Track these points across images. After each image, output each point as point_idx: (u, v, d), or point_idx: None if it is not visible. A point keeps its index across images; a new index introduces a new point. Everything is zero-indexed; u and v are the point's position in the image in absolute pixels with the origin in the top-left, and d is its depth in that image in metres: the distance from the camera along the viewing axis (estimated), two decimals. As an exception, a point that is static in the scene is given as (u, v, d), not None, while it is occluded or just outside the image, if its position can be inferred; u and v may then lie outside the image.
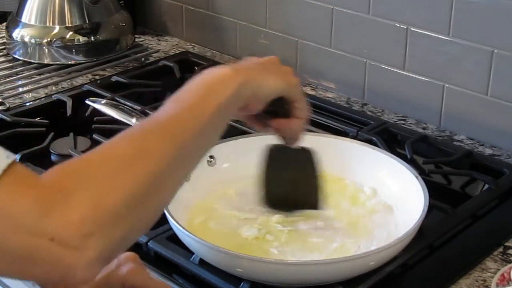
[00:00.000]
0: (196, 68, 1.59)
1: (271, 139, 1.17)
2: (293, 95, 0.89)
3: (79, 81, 1.57)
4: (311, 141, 1.17)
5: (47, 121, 1.37)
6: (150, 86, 1.53)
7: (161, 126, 0.75)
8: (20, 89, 1.54)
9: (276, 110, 0.90)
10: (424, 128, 1.39)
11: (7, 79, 1.58)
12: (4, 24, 1.73)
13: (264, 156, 1.00)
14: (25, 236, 0.61)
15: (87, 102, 1.33)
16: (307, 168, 1.01)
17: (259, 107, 0.85)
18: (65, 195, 0.63)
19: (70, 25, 1.63)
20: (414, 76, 1.41)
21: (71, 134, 1.32)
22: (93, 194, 0.64)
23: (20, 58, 1.65)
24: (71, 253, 0.62)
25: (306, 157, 1.00)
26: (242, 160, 1.14)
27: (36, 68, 1.62)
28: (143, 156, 0.69)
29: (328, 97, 1.52)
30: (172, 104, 0.80)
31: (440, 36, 1.34)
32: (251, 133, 1.25)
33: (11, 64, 1.64)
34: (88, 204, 0.63)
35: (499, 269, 0.98)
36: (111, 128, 1.32)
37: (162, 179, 0.69)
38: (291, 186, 1.02)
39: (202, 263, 0.96)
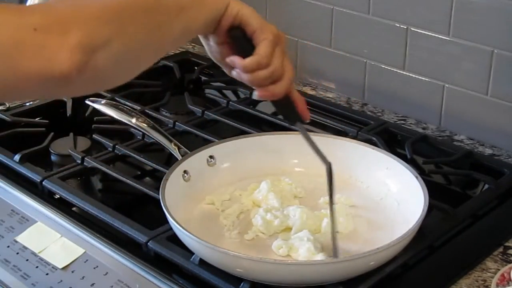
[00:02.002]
0: (196, 68, 1.59)
1: (271, 139, 1.18)
2: (262, 31, 0.87)
3: (79, 81, 1.57)
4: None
5: (47, 121, 1.37)
6: (150, 86, 1.53)
7: None
8: (20, 89, 1.54)
9: (241, 44, 0.87)
10: (424, 128, 1.39)
11: (7, 79, 1.57)
12: (4, 24, 1.72)
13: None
14: (12, 29, 0.68)
15: (87, 102, 1.33)
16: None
17: (222, 28, 0.86)
18: (55, 2, 0.73)
19: (70, 25, 1.63)
20: (414, 76, 1.41)
21: (71, 134, 1.32)
22: (82, 1, 0.74)
23: (20, 58, 1.65)
24: (53, 37, 0.69)
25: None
26: (242, 160, 1.14)
27: (36, 68, 1.62)
28: None
29: (328, 97, 1.52)
30: None
31: (440, 36, 1.34)
32: (251, 133, 1.26)
33: (11, 64, 1.64)
34: (75, 4, 0.73)
35: (499, 269, 0.98)
36: (111, 128, 1.32)
37: (142, 13, 0.77)
38: None
39: (202, 263, 0.96)
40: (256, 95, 0.90)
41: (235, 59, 0.87)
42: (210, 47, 0.91)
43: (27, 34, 0.69)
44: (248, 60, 0.86)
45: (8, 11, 0.69)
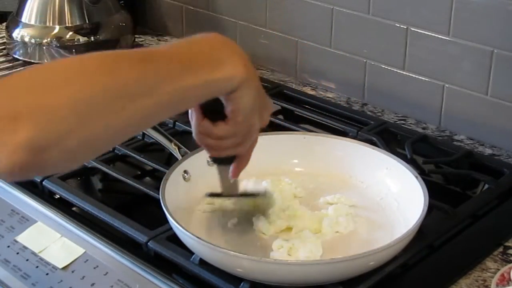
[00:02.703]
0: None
1: (271, 139, 1.18)
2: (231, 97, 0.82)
3: (79, 81, 1.57)
4: (311, 141, 1.17)
5: (47, 121, 1.37)
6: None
7: (139, 56, 0.72)
8: (20, 89, 1.54)
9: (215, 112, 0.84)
10: (424, 128, 1.39)
11: (7, 79, 1.57)
12: (4, 24, 1.73)
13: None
14: None
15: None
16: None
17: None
18: (7, 85, 0.65)
19: (70, 25, 1.63)
20: (414, 76, 1.41)
21: (71, 134, 1.32)
22: (37, 86, 0.65)
23: (20, 58, 1.65)
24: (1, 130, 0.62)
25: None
26: (242, 160, 1.14)
27: (36, 68, 1.62)
28: (104, 72, 0.68)
29: (328, 97, 1.52)
30: (172, 47, 0.76)
31: (440, 36, 1.34)
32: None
33: (11, 64, 1.64)
34: (29, 93, 0.64)
35: (499, 269, 0.98)
36: (111, 128, 1.32)
37: (114, 102, 0.68)
38: None
39: (202, 263, 0.96)
40: (230, 176, 0.94)
41: (205, 125, 0.85)
42: None
43: None
44: (219, 129, 0.85)
45: None
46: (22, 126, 0.63)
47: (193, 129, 0.87)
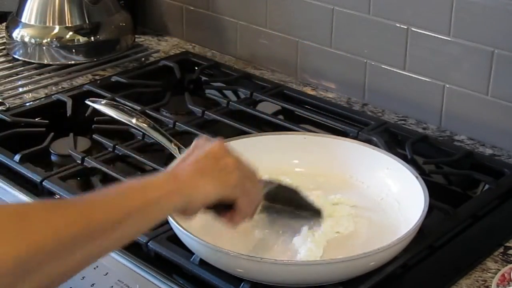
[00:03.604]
0: (196, 68, 1.59)
1: (271, 139, 1.18)
2: (231, 196, 0.88)
3: (79, 81, 1.57)
4: (311, 141, 1.17)
5: (47, 121, 1.37)
6: (150, 86, 1.53)
7: (75, 204, 0.75)
8: (20, 89, 1.54)
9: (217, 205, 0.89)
10: (424, 128, 1.39)
11: (7, 79, 1.57)
12: (4, 24, 1.72)
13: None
14: None
15: (87, 102, 1.33)
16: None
17: (195, 211, 0.86)
18: None
19: (70, 25, 1.63)
20: (414, 76, 1.40)
21: (71, 134, 1.32)
22: None
23: (20, 58, 1.65)
24: None
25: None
26: (242, 160, 1.14)
27: (36, 68, 1.62)
28: (46, 220, 0.68)
29: (328, 97, 1.52)
30: (94, 194, 0.79)
31: (440, 36, 1.34)
32: (251, 133, 1.25)
33: (11, 64, 1.64)
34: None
35: (499, 270, 0.98)
36: (111, 128, 1.32)
37: (58, 250, 0.67)
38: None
39: (202, 263, 0.96)
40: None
41: (227, 220, 0.91)
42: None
43: None
44: (238, 218, 0.91)
45: None
46: None
47: None
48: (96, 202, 0.74)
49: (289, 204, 1.03)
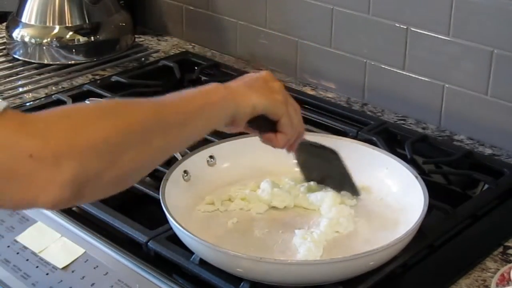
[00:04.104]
0: (196, 68, 1.59)
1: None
2: (276, 113, 0.95)
3: (79, 81, 1.57)
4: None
5: (47, 121, 1.37)
6: (150, 86, 1.53)
7: (150, 100, 0.83)
8: (20, 89, 1.54)
9: (262, 123, 0.96)
10: (424, 128, 1.39)
11: (7, 79, 1.58)
12: (4, 24, 1.73)
13: (296, 153, 1.08)
14: (8, 154, 0.68)
15: (87, 102, 1.33)
16: (333, 164, 1.09)
17: (242, 122, 0.92)
18: (48, 124, 0.71)
19: (70, 25, 1.63)
20: (414, 76, 1.41)
21: (71, 134, 1.32)
22: (75, 125, 0.72)
23: (20, 58, 1.65)
24: (47, 169, 0.68)
25: (330, 156, 1.09)
26: (242, 160, 1.14)
27: (36, 68, 1.62)
28: (129, 111, 0.77)
29: (328, 97, 1.52)
30: (163, 97, 0.86)
31: (440, 36, 1.34)
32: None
33: (11, 64, 1.65)
34: (69, 132, 0.71)
35: (499, 269, 0.98)
36: (111, 128, 1.32)
37: (139, 137, 0.77)
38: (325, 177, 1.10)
39: (202, 263, 0.96)
40: (288, 152, 1.04)
41: (271, 138, 0.98)
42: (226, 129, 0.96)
43: (21, 161, 0.68)
44: (281, 140, 0.98)
45: (9, 128, 0.69)
46: (66, 164, 0.69)
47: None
48: (166, 103, 0.83)
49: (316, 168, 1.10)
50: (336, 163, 1.08)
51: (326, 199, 1.06)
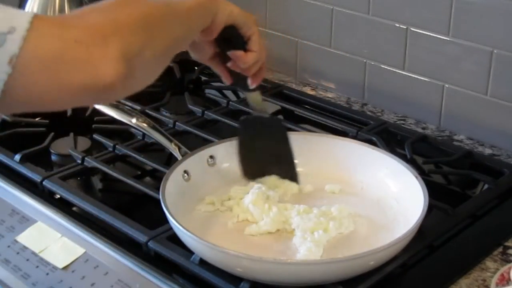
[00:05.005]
0: (196, 68, 1.59)
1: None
2: (249, 26, 0.98)
3: (79, 81, 1.57)
4: (311, 141, 1.17)
5: (47, 121, 1.37)
6: (150, 86, 1.52)
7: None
8: (20, 89, 1.54)
9: (232, 41, 0.98)
10: (424, 128, 1.39)
11: (7, 79, 1.57)
12: (4, 24, 1.73)
13: (238, 129, 1.11)
14: (53, 42, 0.69)
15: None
16: (278, 137, 1.11)
17: (218, 27, 0.94)
18: (81, 15, 0.75)
19: (70, 25, 1.63)
20: (414, 76, 1.41)
21: (71, 134, 1.32)
22: (110, 13, 0.76)
23: (20, 58, 1.65)
24: (95, 50, 0.71)
25: (276, 125, 1.12)
26: (242, 160, 1.14)
27: (36, 68, 1.62)
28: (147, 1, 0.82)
29: (328, 97, 1.52)
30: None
31: (440, 36, 1.34)
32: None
33: (11, 64, 1.64)
34: (107, 16, 0.75)
35: (498, 269, 0.98)
36: (111, 128, 1.32)
37: (165, 18, 0.83)
38: (266, 155, 1.11)
39: (202, 263, 0.96)
40: (250, 84, 1.04)
41: (239, 54, 0.99)
42: (196, 47, 0.99)
43: (68, 47, 0.70)
44: (250, 57, 0.99)
45: (48, 23, 0.71)
46: (111, 40, 0.72)
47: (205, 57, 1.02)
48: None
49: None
50: (283, 140, 1.10)
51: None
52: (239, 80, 1.04)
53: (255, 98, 1.09)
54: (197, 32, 0.93)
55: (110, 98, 0.78)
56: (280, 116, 1.38)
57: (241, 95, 1.49)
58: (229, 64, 1.01)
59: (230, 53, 0.99)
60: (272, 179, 1.11)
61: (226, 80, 1.04)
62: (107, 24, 0.74)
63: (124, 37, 0.74)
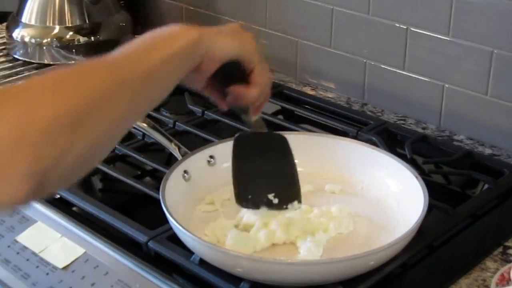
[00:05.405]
0: (196, 68, 1.59)
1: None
2: (250, 59, 0.88)
3: (79, 81, 1.57)
4: (311, 141, 1.17)
5: (47, 121, 1.37)
6: (150, 86, 1.53)
7: (107, 60, 0.73)
8: (20, 89, 1.54)
9: (232, 74, 0.88)
10: (424, 128, 1.39)
11: (7, 79, 1.58)
12: (4, 24, 1.73)
13: (233, 147, 1.01)
14: None
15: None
16: (279, 157, 1.01)
17: (212, 67, 0.84)
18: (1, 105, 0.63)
19: (70, 25, 1.63)
20: (414, 76, 1.41)
21: (71, 134, 1.32)
22: (25, 107, 0.63)
23: (20, 58, 1.65)
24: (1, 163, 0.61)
25: (278, 144, 1.00)
26: (242, 160, 1.14)
27: (36, 68, 1.62)
28: (82, 79, 0.69)
29: (328, 97, 1.52)
30: (122, 50, 0.76)
31: (440, 36, 1.34)
32: (251, 133, 1.26)
33: (11, 64, 1.65)
34: (19, 116, 0.63)
35: (498, 269, 0.98)
36: (111, 128, 1.32)
37: (99, 105, 0.68)
38: (265, 178, 1.01)
39: (202, 263, 0.96)
40: (252, 117, 0.96)
41: (242, 91, 0.90)
42: (184, 78, 0.84)
43: None
44: (253, 92, 0.90)
45: None
46: (19, 157, 0.62)
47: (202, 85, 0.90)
48: (125, 60, 0.74)
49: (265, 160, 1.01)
50: (285, 159, 1.00)
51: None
52: (238, 107, 0.96)
53: (255, 122, 0.99)
54: (174, 85, 0.79)
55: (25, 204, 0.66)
56: (282, 120, 1.36)
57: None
58: (228, 98, 0.92)
59: (231, 90, 0.90)
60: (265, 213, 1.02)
61: (223, 107, 0.94)
62: (15, 131, 0.62)
63: (36, 151, 0.62)
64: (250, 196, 1.01)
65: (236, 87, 0.90)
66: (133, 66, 0.73)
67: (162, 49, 0.77)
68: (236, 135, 1.02)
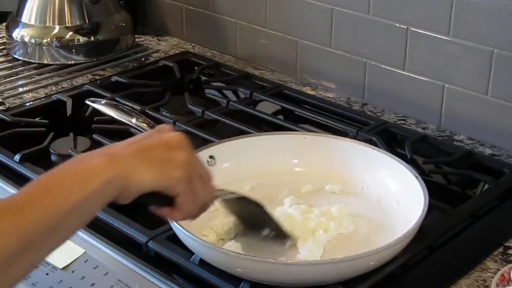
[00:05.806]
0: (196, 68, 1.59)
1: (271, 139, 1.18)
2: (172, 191, 0.81)
3: (79, 81, 1.57)
4: (311, 141, 1.17)
5: (47, 121, 1.37)
6: (150, 86, 1.53)
7: (13, 205, 0.71)
8: (20, 89, 1.54)
9: (154, 199, 0.83)
10: (424, 128, 1.39)
11: (7, 79, 1.58)
12: (4, 24, 1.73)
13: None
14: None
15: (87, 102, 1.33)
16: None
17: (127, 201, 0.80)
18: None
19: (70, 25, 1.63)
20: (414, 76, 1.41)
21: (71, 134, 1.32)
22: None
23: (20, 58, 1.65)
24: None
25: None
26: (242, 160, 1.14)
27: (36, 68, 1.62)
28: None
29: (328, 97, 1.52)
30: (34, 189, 0.74)
31: (440, 36, 1.34)
32: (251, 133, 1.26)
33: (11, 64, 1.64)
34: None
35: (499, 269, 0.98)
36: (111, 128, 1.32)
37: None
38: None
39: (202, 263, 0.96)
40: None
41: (165, 213, 0.85)
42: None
43: None
44: (177, 215, 0.85)
45: None
46: None
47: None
48: (27, 209, 0.71)
49: (249, 219, 1.00)
50: (265, 215, 0.99)
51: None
52: None
53: (224, 203, 0.97)
54: (85, 223, 0.77)
55: None
56: (280, 115, 1.36)
57: (241, 95, 1.49)
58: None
59: (154, 210, 0.85)
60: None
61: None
62: None
63: None
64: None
65: (158, 210, 0.85)
66: (37, 218, 0.71)
67: (71, 194, 0.73)
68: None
